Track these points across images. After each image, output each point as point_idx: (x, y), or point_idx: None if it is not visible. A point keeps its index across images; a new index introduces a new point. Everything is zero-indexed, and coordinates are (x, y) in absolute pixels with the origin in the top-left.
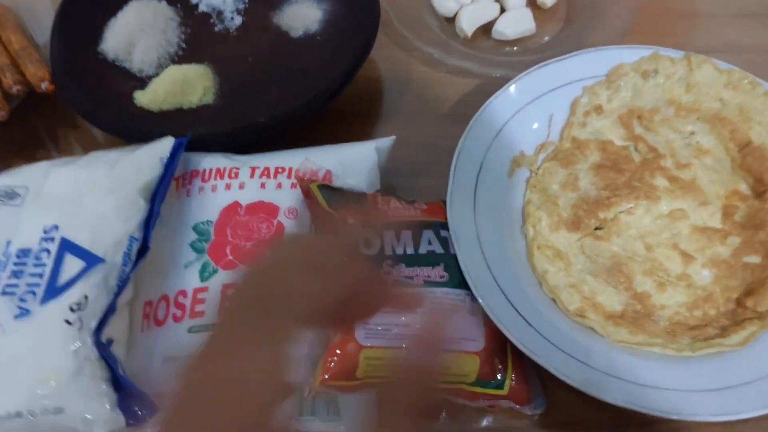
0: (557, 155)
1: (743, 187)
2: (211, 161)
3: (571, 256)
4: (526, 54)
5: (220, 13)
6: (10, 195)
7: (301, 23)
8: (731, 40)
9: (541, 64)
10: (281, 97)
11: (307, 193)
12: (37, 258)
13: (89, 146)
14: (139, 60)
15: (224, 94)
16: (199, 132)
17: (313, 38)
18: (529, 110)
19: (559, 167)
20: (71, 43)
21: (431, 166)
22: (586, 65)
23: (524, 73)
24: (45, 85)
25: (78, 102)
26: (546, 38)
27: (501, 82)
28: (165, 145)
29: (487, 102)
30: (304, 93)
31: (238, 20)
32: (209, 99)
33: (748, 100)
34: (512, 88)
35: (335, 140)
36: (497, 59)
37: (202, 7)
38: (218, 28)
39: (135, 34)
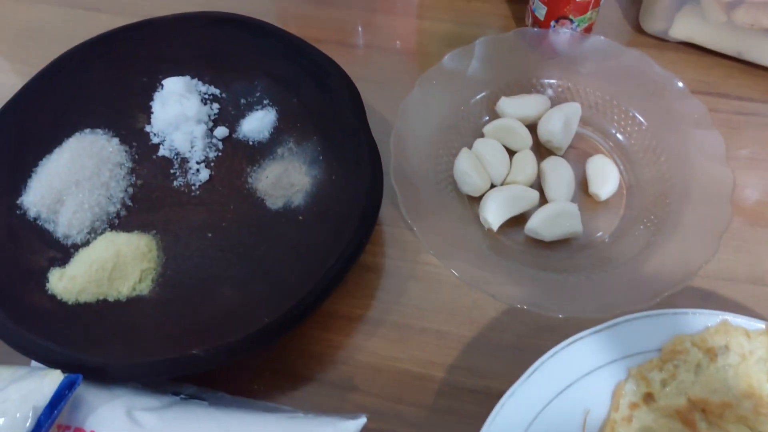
0: None
1: None
2: (106, 421)
3: None
4: (562, 269)
5: (183, 162)
6: None
7: (282, 191)
8: None
9: (570, 340)
10: (239, 303)
11: None
12: None
13: None
14: (66, 222)
15: (166, 282)
16: (111, 360)
17: (295, 214)
18: (554, 408)
19: None
20: None
21: None
22: (631, 335)
23: (547, 355)
24: None
25: None
26: (600, 236)
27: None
28: (47, 383)
29: (494, 413)
30: (271, 303)
31: (204, 174)
32: (145, 288)
33: None
34: (531, 381)
35: (302, 371)
36: (524, 274)
37: (163, 151)
38: (178, 182)
39: (67, 186)
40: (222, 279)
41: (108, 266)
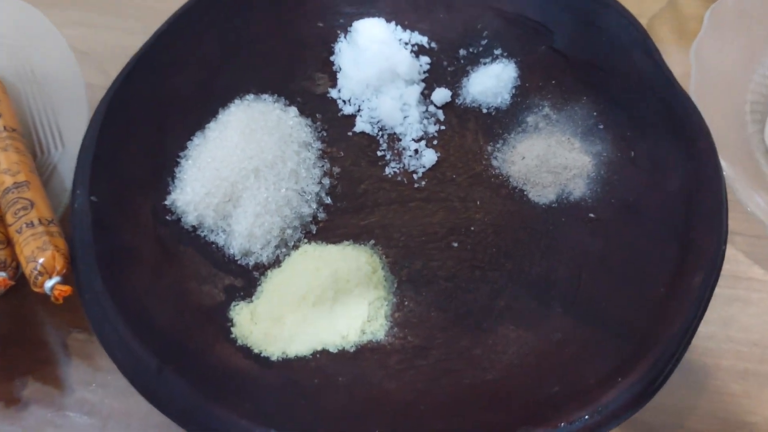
0: None
1: None
2: None
3: None
4: None
5: (393, 139)
6: None
7: (551, 178)
8: None
9: None
10: (542, 349)
11: None
12: None
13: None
14: (244, 231)
15: (406, 320)
16: None
17: (581, 211)
18: None
19: None
20: (116, 191)
21: None
22: None
23: None
24: (52, 286)
25: (112, 336)
26: None
27: None
28: None
29: None
30: (606, 348)
31: (430, 157)
32: (379, 330)
33: None
34: None
35: None
36: None
37: (362, 125)
38: (392, 168)
39: (242, 177)
40: (496, 312)
41: (326, 298)
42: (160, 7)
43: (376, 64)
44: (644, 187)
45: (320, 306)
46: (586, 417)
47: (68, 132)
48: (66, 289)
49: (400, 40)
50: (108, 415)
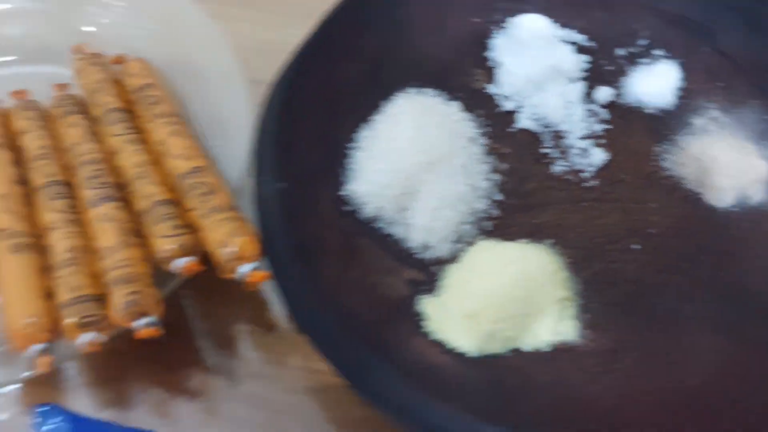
0: None
1: None
2: None
3: None
4: None
5: (558, 137)
6: None
7: (728, 181)
8: None
9: None
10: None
11: None
12: None
13: None
14: (424, 225)
15: (594, 321)
16: None
17: (765, 217)
18: None
19: None
20: (298, 179)
21: None
22: None
23: None
24: (248, 272)
25: (317, 323)
26: None
27: None
28: None
29: None
30: None
31: (598, 156)
32: (569, 330)
33: None
34: None
35: None
36: None
37: (524, 121)
38: (559, 166)
39: (418, 170)
40: (686, 317)
41: (518, 296)
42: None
43: (538, 61)
44: None
45: (512, 304)
46: None
47: (228, 123)
48: (264, 274)
49: (559, 37)
50: (279, 410)
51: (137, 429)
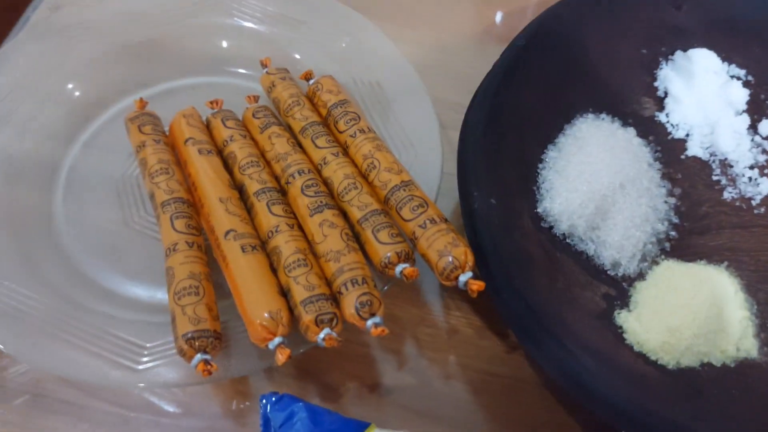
0: None
1: None
2: None
3: None
4: None
5: (725, 165)
6: None
7: None
8: None
9: None
10: None
11: None
12: None
13: None
14: (615, 244)
15: None
16: None
17: None
18: None
19: None
20: (502, 196)
21: None
22: None
23: None
24: (467, 280)
25: (536, 337)
26: None
27: None
28: None
29: None
30: None
31: (765, 184)
32: (751, 348)
33: None
34: None
35: None
36: None
37: (694, 149)
38: (729, 193)
39: (611, 192)
40: None
41: (710, 314)
42: (446, 17)
43: (709, 92)
44: None
45: (707, 321)
46: None
47: (418, 140)
48: (481, 284)
49: (725, 70)
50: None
51: (357, 420)
